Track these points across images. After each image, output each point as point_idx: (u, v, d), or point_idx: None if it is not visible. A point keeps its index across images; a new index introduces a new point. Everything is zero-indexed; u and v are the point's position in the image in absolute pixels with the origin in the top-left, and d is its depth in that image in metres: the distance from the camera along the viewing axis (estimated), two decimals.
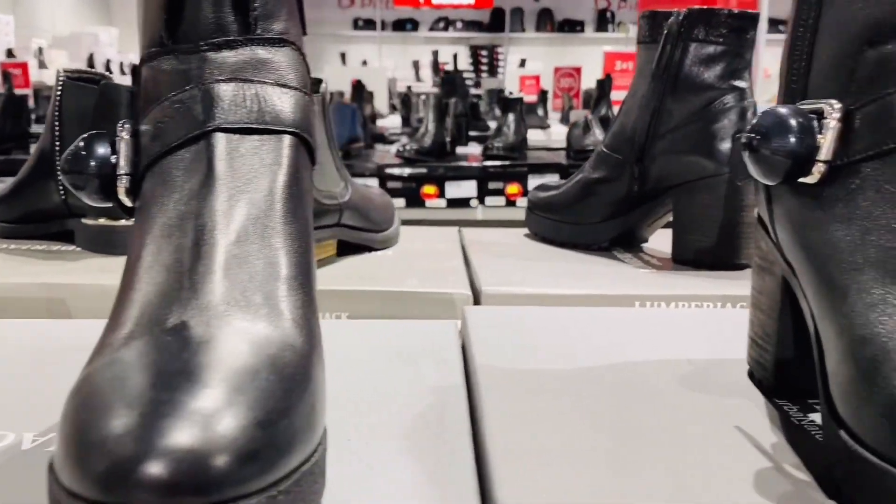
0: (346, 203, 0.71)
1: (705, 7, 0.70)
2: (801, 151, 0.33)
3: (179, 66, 0.33)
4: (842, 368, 0.30)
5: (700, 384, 0.41)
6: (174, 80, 0.33)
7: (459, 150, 2.10)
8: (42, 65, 4.74)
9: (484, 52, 7.58)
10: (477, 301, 0.62)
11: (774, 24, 7.58)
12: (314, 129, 0.37)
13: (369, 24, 7.65)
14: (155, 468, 0.22)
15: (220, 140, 0.32)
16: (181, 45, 0.33)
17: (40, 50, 4.80)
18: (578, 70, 4.05)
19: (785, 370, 0.38)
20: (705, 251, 0.70)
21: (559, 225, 0.82)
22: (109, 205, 0.35)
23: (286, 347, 0.28)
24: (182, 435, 0.22)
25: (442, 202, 1.89)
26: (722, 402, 0.39)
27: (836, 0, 0.34)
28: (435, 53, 6.82)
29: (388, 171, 1.87)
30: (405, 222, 0.88)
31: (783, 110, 0.34)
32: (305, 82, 0.36)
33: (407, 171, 1.89)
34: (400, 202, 1.88)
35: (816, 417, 0.37)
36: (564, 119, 3.24)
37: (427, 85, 6.22)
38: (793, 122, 0.33)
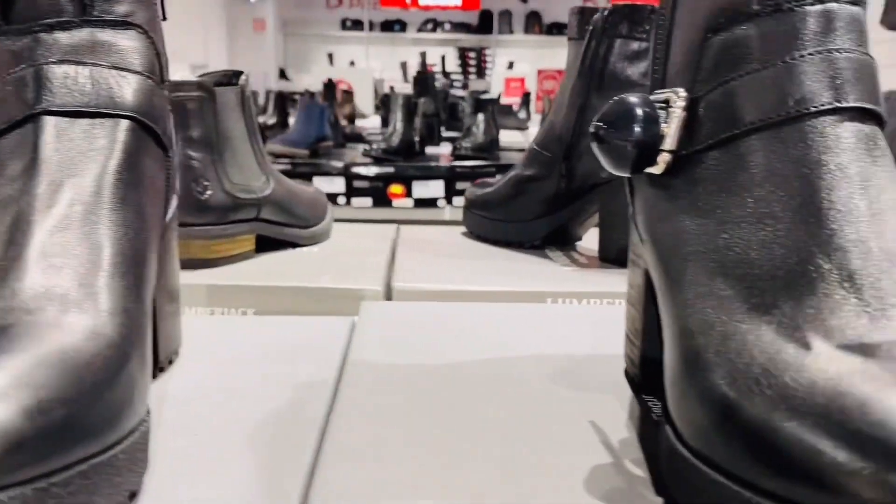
0: (265, 197, 0.70)
1: (630, 3, 0.69)
2: (646, 141, 0.32)
3: (12, 47, 0.32)
4: (669, 361, 0.29)
5: (573, 381, 0.40)
6: (6, 61, 0.32)
7: (430, 150, 2.09)
8: None
9: (472, 54, 7.58)
10: (389, 297, 0.61)
11: None
12: (162, 114, 0.36)
13: (357, 25, 7.63)
14: None
15: (48, 123, 0.31)
16: (14, 26, 0.32)
17: None
18: (561, 73, 4.05)
19: (650, 365, 0.38)
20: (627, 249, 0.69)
21: (493, 223, 0.81)
22: None
23: (91, 337, 0.27)
24: None
25: (409, 202, 1.88)
26: (586, 398, 0.38)
27: None
28: (423, 55, 6.81)
29: (355, 170, 1.86)
30: (371, 222, 0.87)
31: (631, 100, 0.33)
32: (152, 66, 0.35)
33: (374, 170, 1.87)
34: (367, 202, 1.87)
35: None
36: (545, 121, 3.23)
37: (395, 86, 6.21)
38: (638, 111, 0.32)
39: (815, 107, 0.28)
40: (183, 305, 0.57)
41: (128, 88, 0.34)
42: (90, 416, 0.25)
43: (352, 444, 0.32)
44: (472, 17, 7.54)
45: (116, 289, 0.30)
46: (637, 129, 0.32)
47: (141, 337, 0.30)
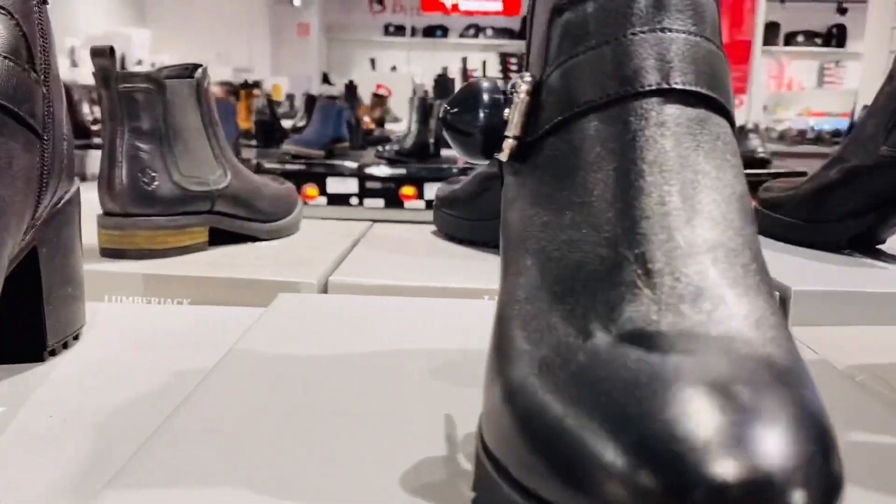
0: (221, 190, 0.70)
1: None
2: (491, 126, 0.31)
3: None
4: (489, 350, 0.28)
5: (456, 375, 0.39)
6: None
7: (446, 152, 2.09)
8: (74, 63, 4.86)
9: (513, 60, 7.57)
10: (324, 291, 0.61)
11: (792, 36, 7.42)
12: (28, 97, 0.36)
13: (400, 31, 7.68)
14: None
15: None
16: None
17: (73, 49, 4.92)
18: None
19: None
20: None
21: (459, 221, 0.80)
22: None
23: None
24: None
25: (421, 203, 1.88)
26: (458, 393, 0.37)
27: None
28: (464, 60, 6.83)
29: (367, 171, 1.86)
30: (384, 222, 0.88)
31: (480, 84, 0.32)
32: (15, 48, 0.35)
33: (386, 171, 1.88)
34: (379, 202, 1.87)
35: None
36: None
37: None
38: (484, 96, 0.32)
39: (640, 87, 0.27)
40: (115, 294, 0.57)
41: None
42: None
43: (184, 431, 0.32)
44: (515, 23, 7.52)
45: None
46: (481, 114, 0.31)
47: None
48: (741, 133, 2.14)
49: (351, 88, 2.41)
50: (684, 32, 0.28)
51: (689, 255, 0.25)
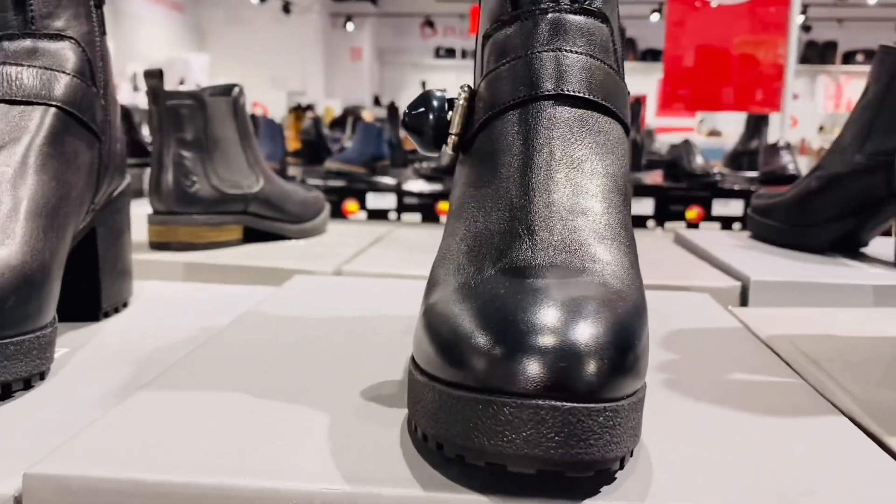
0: (253, 194, 0.80)
1: None
2: (438, 125, 0.40)
3: None
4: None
5: None
6: None
7: None
8: (135, 88, 5.12)
9: None
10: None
11: (851, 55, 7.30)
12: (90, 106, 0.46)
13: (450, 53, 7.83)
14: None
15: None
16: None
17: (134, 75, 5.18)
18: (643, 98, 4.07)
19: None
20: None
21: None
22: None
23: (1, 263, 0.38)
24: None
25: None
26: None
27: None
28: None
29: (405, 187, 1.97)
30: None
31: (432, 93, 0.41)
32: (82, 69, 0.46)
33: (424, 187, 1.97)
34: (416, 217, 1.97)
35: None
36: None
37: None
38: (433, 102, 0.40)
39: (538, 92, 0.36)
40: (159, 278, 0.68)
41: (57, 85, 0.44)
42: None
43: (188, 373, 0.41)
44: None
45: (28, 231, 0.40)
46: (431, 116, 0.40)
47: (43, 266, 0.40)
48: (773, 149, 2.18)
49: (392, 109, 2.52)
50: (575, 52, 0.36)
51: (563, 217, 0.33)
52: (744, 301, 0.67)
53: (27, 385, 0.39)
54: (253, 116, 2.13)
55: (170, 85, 5.12)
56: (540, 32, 0.37)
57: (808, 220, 0.87)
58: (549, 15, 0.37)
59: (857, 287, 0.67)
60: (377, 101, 7.44)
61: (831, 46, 8.04)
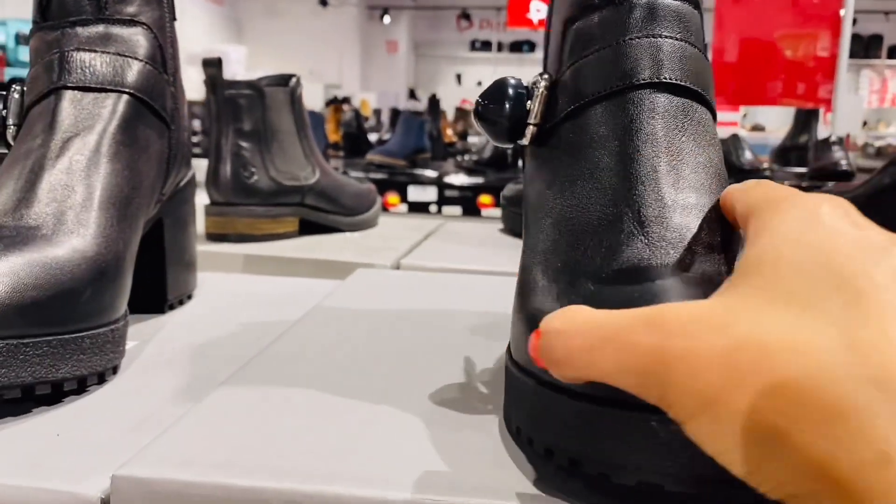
0: (310, 186, 0.79)
1: None
2: (515, 115, 0.37)
3: (46, 38, 0.43)
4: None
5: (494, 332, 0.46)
6: (42, 49, 0.43)
7: None
8: None
9: None
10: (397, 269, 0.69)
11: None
12: (161, 94, 0.45)
13: (486, 46, 7.79)
14: None
15: (65, 95, 0.41)
16: (48, 23, 0.43)
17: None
18: None
19: None
20: None
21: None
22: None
23: (74, 252, 0.37)
24: None
25: (497, 212, 1.95)
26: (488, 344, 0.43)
27: None
28: None
29: (446, 179, 1.95)
30: None
31: (507, 81, 0.38)
32: (154, 56, 0.44)
33: (465, 180, 1.96)
34: (457, 210, 1.96)
35: None
36: None
37: None
38: (510, 91, 0.38)
39: (635, 80, 0.34)
40: (219, 270, 0.67)
41: (130, 71, 0.43)
42: (60, 305, 0.34)
43: (262, 372, 0.39)
44: None
45: (101, 220, 0.39)
46: (507, 105, 0.38)
47: (117, 257, 0.39)
48: (825, 145, 2.12)
49: (434, 102, 2.51)
50: (672, 38, 0.34)
51: (674, 211, 0.31)
52: None
53: (101, 379, 0.38)
54: None
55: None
56: (635, 18, 0.35)
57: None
58: (643, 1, 0.35)
59: None
60: (412, 94, 7.44)
61: (877, 39, 7.85)
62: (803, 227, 0.24)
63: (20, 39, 3.81)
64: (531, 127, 0.38)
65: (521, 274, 0.35)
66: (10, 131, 0.44)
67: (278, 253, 0.70)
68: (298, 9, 7.40)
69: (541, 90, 0.37)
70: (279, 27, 7.40)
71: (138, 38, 0.44)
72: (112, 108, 0.42)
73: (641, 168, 0.32)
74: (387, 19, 7.64)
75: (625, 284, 0.29)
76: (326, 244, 0.77)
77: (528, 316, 0.31)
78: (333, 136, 2.89)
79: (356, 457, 0.29)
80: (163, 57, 0.46)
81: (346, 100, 5.07)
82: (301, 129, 0.80)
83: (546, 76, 0.37)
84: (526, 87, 0.38)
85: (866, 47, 7.88)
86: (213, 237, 0.74)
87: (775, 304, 0.21)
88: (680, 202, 0.31)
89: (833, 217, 0.24)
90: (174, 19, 0.48)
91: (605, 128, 0.34)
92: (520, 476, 0.28)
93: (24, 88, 0.44)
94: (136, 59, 0.44)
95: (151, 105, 0.44)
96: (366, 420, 0.32)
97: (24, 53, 3.78)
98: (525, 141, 0.38)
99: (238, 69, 5.63)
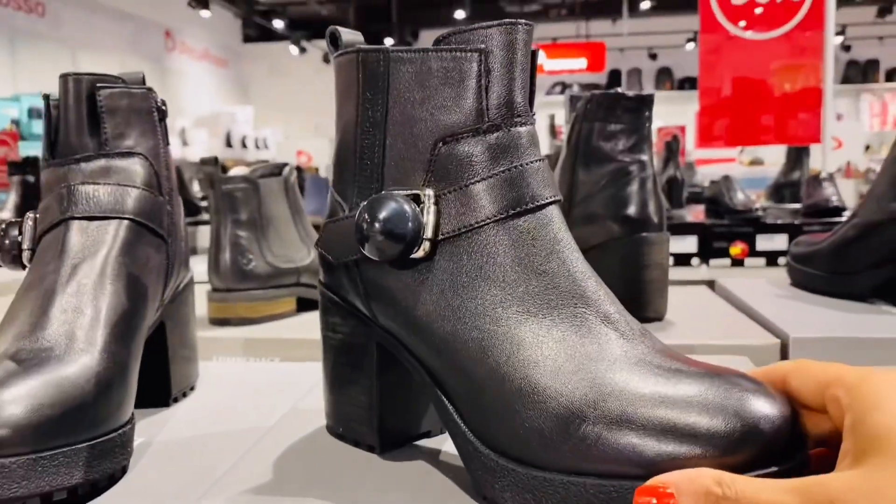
0: (305, 266, 0.84)
1: (608, 91, 0.79)
2: (413, 233, 0.38)
3: (55, 173, 0.48)
4: (489, 401, 0.37)
5: None
6: (52, 182, 0.48)
7: None
8: (184, 143, 5.29)
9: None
10: None
11: (894, 72, 7.17)
12: (159, 215, 0.50)
13: None
14: None
15: (73, 225, 0.47)
16: (56, 160, 0.48)
17: (183, 130, 5.36)
18: (682, 129, 4.09)
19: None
20: None
21: None
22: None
23: (84, 369, 0.42)
24: None
25: None
26: None
27: (400, 105, 0.40)
28: (551, 117, 6.96)
29: None
30: None
31: (395, 199, 0.38)
32: (150, 182, 0.50)
33: None
34: None
35: None
36: None
37: (544, 149, 6.35)
38: (406, 209, 0.38)
39: (543, 200, 0.39)
40: (222, 355, 0.72)
41: (129, 199, 0.49)
42: (72, 419, 0.39)
43: (270, 450, 0.44)
44: (600, 78, 7.63)
45: (108, 337, 0.44)
46: (409, 224, 0.38)
47: (123, 368, 0.44)
48: (815, 181, 2.16)
49: None
50: (542, 160, 0.40)
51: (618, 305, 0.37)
52: (784, 359, 0.68)
53: (111, 481, 0.42)
54: (298, 170, 2.19)
55: (217, 136, 5.28)
56: (521, 144, 0.40)
57: (848, 268, 0.88)
58: (527, 128, 0.40)
59: None
60: None
61: (873, 64, 7.93)
62: None
63: (33, 114, 3.93)
64: (426, 242, 0.39)
65: (486, 380, 0.38)
66: (26, 255, 0.49)
67: (277, 334, 0.75)
68: (302, 67, 7.57)
69: (432, 207, 0.39)
70: (284, 85, 7.57)
71: (136, 168, 0.50)
72: (114, 234, 0.47)
73: (577, 272, 0.39)
74: None
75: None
76: None
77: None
78: None
79: None
80: (158, 181, 0.51)
81: None
82: (296, 213, 0.85)
83: (430, 193, 0.39)
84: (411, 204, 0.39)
85: (864, 72, 7.95)
86: (216, 321, 0.80)
87: None
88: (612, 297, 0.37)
89: None
90: (167, 144, 0.53)
91: (526, 244, 0.39)
92: None
93: (37, 216, 0.49)
94: (135, 186, 0.49)
95: (149, 226, 0.50)
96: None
97: (37, 127, 3.89)
98: (421, 254, 0.39)
99: (246, 129, 5.75)
